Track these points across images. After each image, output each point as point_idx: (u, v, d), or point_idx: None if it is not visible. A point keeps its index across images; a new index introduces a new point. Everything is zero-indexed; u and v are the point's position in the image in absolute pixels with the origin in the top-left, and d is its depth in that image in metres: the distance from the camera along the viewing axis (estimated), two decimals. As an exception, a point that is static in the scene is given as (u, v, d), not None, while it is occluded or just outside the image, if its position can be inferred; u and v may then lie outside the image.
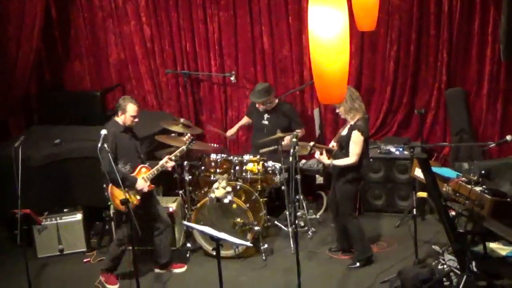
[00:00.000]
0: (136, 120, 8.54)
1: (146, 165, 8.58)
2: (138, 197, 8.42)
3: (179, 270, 8.94)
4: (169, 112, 11.15)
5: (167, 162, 8.60)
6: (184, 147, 8.76)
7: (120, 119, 8.47)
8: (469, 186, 7.64)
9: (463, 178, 7.84)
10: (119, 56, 11.31)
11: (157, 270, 8.93)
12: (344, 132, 8.45)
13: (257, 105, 9.95)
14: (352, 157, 8.28)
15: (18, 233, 7.98)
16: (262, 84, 10.07)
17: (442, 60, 10.10)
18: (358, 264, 8.65)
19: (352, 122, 8.36)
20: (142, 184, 8.41)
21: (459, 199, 7.79)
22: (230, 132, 10.45)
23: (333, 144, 8.58)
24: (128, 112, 8.43)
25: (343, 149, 8.38)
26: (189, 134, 8.98)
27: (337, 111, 8.49)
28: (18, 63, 10.67)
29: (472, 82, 10.15)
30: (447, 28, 9.97)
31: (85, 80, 11.52)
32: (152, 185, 8.56)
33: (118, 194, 8.30)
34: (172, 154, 8.68)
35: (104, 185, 8.40)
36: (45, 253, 9.49)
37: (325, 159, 8.41)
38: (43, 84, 11.44)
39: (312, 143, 8.48)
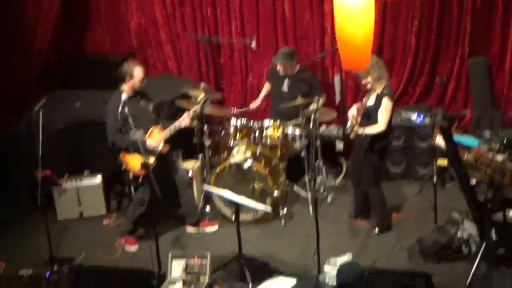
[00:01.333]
0: (145, 81, 8.53)
1: (158, 126, 8.56)
2: (153, 160, 8.41)
3: (211, 228, 8.97)
4: (189, 77, 11.12)
5: (181, 121, 8.56)
6: (198, 106, 8.71)
7: (127, 85, 8.44)
8: (491, 155, 7.62)
9: (485, 147, 7.81)
10: (139, 21, 11.28)
11: (189, 229, 8.99)
12: (370, 102, 8.36)
13: (278, 68, 9.88)
14: (382, 125, 8.22)
15: (39, 195, 8.01)
16: (286, 48, 10.03)
17: (465, 29, 10.00)
18: (377, 229, 8.65)
19: (379, 91, 8.30)
20: (153, 143, 8.42)
21: (480, 167, 7.76)
22: (255, 103, 10.34)
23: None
24: (136, 76, 8.41)
25: (370, 119, 8.30)
26: (203, 94, 8.91)
27: (363, 82, 8.37)
28: (38, 30, 10.69)
29: (495, 51, 10.06)
30: (470, -3, 9.90)
31: (105, 44, 11.51)
32: (167, 146, 8.54)
33: (130, 159, 8.37)
34: (186, 112, 8.64)
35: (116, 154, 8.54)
36: (65, 215, 9.56)
37: (360, 129, 8.28)
38: (63, 49, 11.43)
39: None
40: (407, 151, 9.90)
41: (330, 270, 7.53)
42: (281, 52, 9.86)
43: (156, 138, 8.47)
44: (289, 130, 9.42)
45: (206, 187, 8.73)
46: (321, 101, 9.53)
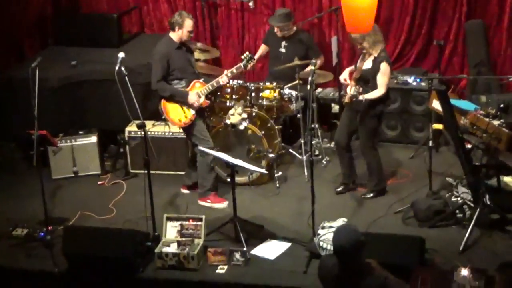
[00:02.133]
0: (192, 35, 8.56)
1: (200, 80, 8.58)
2: (193, 112, 8.46)
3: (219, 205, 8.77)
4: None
5: (222, 77, 8.56)
6: (241, 64, 8.61)
7: (176, 34, 8.44)
8: (487, 120, 7.61)
9: (481, 112, 7.80)
10: (136, -22, 11.20)
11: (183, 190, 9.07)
12: (367, 65, 8.33)
13: (275, 29, 9.83)
14: (381, 89, 8.18)
15: (34, 154, 7.99)
16: (282, 9, 9.99)
17: (463, -11, 9.98)
18: (371, 194, 8.66)
19: (375, 54, 8.25)
20: (194, 98, 8.42)
21: (476, 132, 7.77)
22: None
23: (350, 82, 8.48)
24: (185, 27, 8.39)
25: (369, 83, 8.26)
26: (247, 52, 8.82)
27: (359, 47, 8.35)
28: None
29: (492, 15, 10.03)
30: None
31: (101, 2, 11.40)
32: (207, 101, 8.58)
33: (171, 109, 8.43)
34: (229, 70, 8.60)
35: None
36: (60, 174, 9.55)
37: (360, 96, 8.15)
38: (59, 5, 11.33)
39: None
40: (402, 115, 9.89)
41: (324, 234, 7.55)
42: (277, 14, 9.82)
43: (198, 93, 8.49)
44: (286, 91, 9.39)
45: (201, 148, 8.72)
46: (318, 62, 9.53)
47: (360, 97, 8.11)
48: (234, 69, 8.59)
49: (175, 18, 8.46)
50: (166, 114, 8.56)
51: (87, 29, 10.66)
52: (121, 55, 7.82)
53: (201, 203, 8.72)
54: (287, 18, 9.74)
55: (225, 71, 8.61)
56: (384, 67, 8.18)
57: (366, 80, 8.27)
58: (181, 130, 9.11)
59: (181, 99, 8.45)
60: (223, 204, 8.61)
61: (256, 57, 10.13)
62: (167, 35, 8.56)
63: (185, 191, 9.05)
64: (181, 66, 8.47)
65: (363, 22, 5.24)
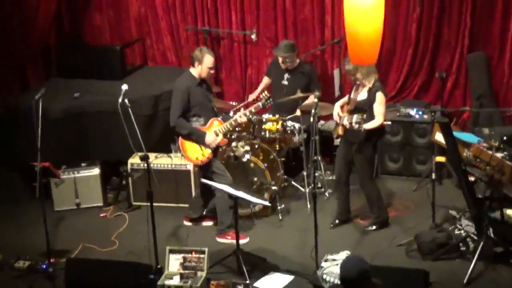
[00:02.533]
0: (212, 71, 8.52)
1: (219, 119, 8.52)
2: (210, 151, 8.41)
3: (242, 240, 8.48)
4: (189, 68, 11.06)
5: (240, 117, 8.53)
6: (260, 103, 8.60)
7: (195, 70, 8.38)
8: (490, 152, 7.62)
9: (484, 144, 7.80)
10: (139, 10, 11.23)
11: (186, 223, 9.05)
12: (361, 96, 8.33)
13: (279, 60, 9.86)
14: (379, 118, 8.18)
15: (37, 186, 8.00)
16: (287, 40, 10.04)
17: (465, 23, 9.98)
18: (374, 226, 8.64)
19: (369, 85, 8.26)
20: (211, 138, 8.37)
21: (479, 164, 7.77)
22: (252, 97, 10.35)
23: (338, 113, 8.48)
24: (205, 64, 8.32)
25: (365, 114, 8.24)
26: (265, 92, 8.80)
27: (352, 78, 8.35)
28: (39, 12, 10.68)
29: (494, 47, 10.04)
30: (471, -9, 9.87)
31: (104, 33, 11.45)
32: (225, 140, 8.53)
33: (188, 147, 8.38)
34: (247, 109, 8.61)
35: (175, 137, 8.51)
36: (62, 206, 9.54)
37: (359, 125, 8.12)
38: (62, 35, 11.38)
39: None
40: (405, 147, 9.88)
41: (328, 267, 7.52)
42: (282, 45, 9.87)
43: (216, 131, 8.43)
44: (288, 123, 9.40)
45: (204, 180, 8.72)
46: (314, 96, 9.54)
47: (358, 127, 8.07)
48: (252, 108, 8.60)
49: (195, 53, 8.38)
50: (183, 151, 8.45)
51: (90, 60, 10.69)
52: (124, 87, 7.83)
53: (220, 240, 8.63)
54: (292, 49, 9.79)
55: (241, 111, 8.64)
56: (380, 96, 8.20)
57: (362, 111, 8.24)
58: (185, 163, 9.14)
59: (199, 139, 8.39)
60: (245, 240, 8.51)
61: (258, 90, 10.21)
62: (188, 70, 8.49)
63: (188, 223, 9.02)
64: (200, 103, 8.39)
65: (368, 53, 5.25)
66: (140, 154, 7.83)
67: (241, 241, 8.21)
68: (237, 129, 9.32)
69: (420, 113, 9.78)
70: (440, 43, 10.26)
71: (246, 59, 11.01)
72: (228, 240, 8.52)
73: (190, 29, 10.96)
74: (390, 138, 9.86)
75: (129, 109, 7.71)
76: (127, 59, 11.14)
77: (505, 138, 7.95)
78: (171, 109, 8.41)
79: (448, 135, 7.68)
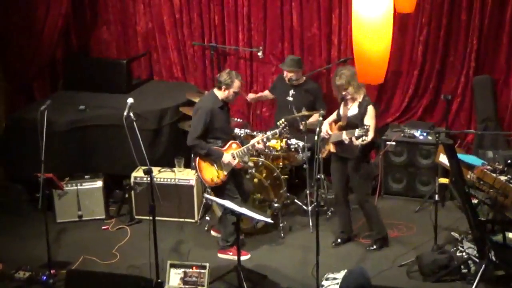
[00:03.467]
0: (238, 95, 8.56)
1: (237, 142, 8.52)
2: (225, 173, 8.39)
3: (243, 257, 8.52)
4: (194, 84, 11.10)
5: (258, 143, 8.55)
6: (277, 130, 8.67)
7: (221, 93, 8.36)
8: (494, 175, 7.62)
9: (488, 167, 7.81)
10: (146, 25, 11.26)
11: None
12: (352, 111, 8.35)
13: (285, 75, 9.86)
14: (372, 132, 8.12)
15: (40, 197, 8.01)
16: (293, 56, 10.08)
17: (472, 46, 9.99)
18: (375, 246, 8.64)
19: (360, 99, 8.29)
20: (228, 159, 8.35)
21: (483, 187, 7.78)
22: (251, 96, 10.42)
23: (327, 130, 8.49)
24: (233, 88, 8.33)
25: (357, 128, 8.14)
26: (283, 119, 8.79)
27: (343, 93, 8.31)
28: (46, 27, 10.71)
29: (500, 70, 10.04)
30: (478, 14, 9.85)
31: (111, 47, 11.48)
32: (241, 164, 8.51)
33: (204, 167, 8.38)
34: (265, 136, 8.64)
35: (192, 156, 8.57)
36: (64, 218, 9.54)
37: (355, 142, 8.06)
38: (69, 49, 11.43)
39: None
40: (408, 168, 9.87)
41: (328, 285, 7.51)
42: (289, 59, 9.88)
43: (234, 154, 8.42)
44: (293, 141, 9.40)
45: (207, 196, 8.74)
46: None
47: (357, 142, 8.01)
48: (270, 135, 8.66)
49: (223, 77, 8.35)
50: (199, 171, 8.43)
51: (96, 73, 10.74)
52: (130, 100, 7.85)
53: (222, 256, 8.63)
54: (298, 65, 9.81)
55: (260, 136, 8.69)
56: (371, 110, 8.24)
57: (354, 126, 8.19)
58: (188, 178, 9.16)
59: (216, 159, 8.37)
60: (246, 257, 8.51)
61: (259, 94, 10.26)
62: (212, 91, 8.49)
63: (216, 234, 9.05)
64: (220, 126, 8.39)
65: (376, 72, 5.25)
66: (143, 167, 7.84)
67: (243, 258, 8.19)
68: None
69: (425, 134, 9.79)
70: (446, 65, 10.27)
71: (252, 76, 11.02)
72: (229, 256, 8.52)
73: (196, 45, 10.99)
74: (394, 158, 9.86)
75: (134, 122, 7.73)
76: (133, 73, 11.17)
77: (509, 161, 7.93)
78: (192, 127, 8.38)
79: (452, 157, 7.68)
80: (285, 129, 8.70)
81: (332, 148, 8.43)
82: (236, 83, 8.33)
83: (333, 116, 8.66)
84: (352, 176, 8.50)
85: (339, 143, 8.36)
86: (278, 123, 8.76)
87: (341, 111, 8.46)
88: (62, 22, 10.83)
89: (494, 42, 9.98)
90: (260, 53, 10.60)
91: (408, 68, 10.43)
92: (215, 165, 8.39)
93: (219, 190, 8.49)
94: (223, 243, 8.65)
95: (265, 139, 8.62)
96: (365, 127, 7.92)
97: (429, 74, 10.33)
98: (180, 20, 11.03)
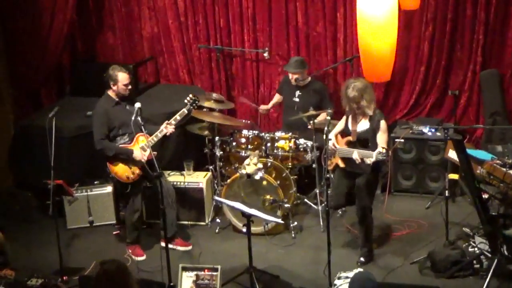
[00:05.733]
0: (130, 87, 8.53)
1: (144, 133, 8.33)
2: (140, 166, 8.43)
3: (182, 248, 8.87)
4: (201, 87, 11.11)
5: (166, 128, 8.50)
6: (185, 109, 8.56)
7: (111, 91, 8.49)
8: (504, 169, 7.61)
9: (498, 161, 7.79)
10: (152, 29, 11.28)
11: (162, 244, 8.84)
12: (363, 126, 8.08)
13: (290, 76, 9.85)
14: (386, 146, 7.94)
15: (50, 204, 8.02)
16: (297, 57, 10.06)
17: (478, 41, 9.98)
18: (364, 259, 8.36)
19: (371, 113, 8.02)
20: (139, 154, 8.36)
21: (493, 181, 7.76)
22: (264, 107, 10.38)
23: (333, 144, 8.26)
24: (120, 82, 8.42)
25: (368, 144, 8.03)
26: (191, 95, 8.68)
27: (354, 106, 7.97)
28: (51, 34, 10.74)
29: (507, 64, 10.02)
30: (484, 9, 9.84)
31: (117, 52, 11.51)
32: (154, 152, 8.34)
33: (117, 168, 8.50)
34: (172, 118, 8.56)
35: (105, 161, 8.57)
36: (75, 224, 9.55)
37: (368, 159, 7.87)
38: (76, 55, 11.48)
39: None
40: (418, 165, 9.85)
41: (341, 284, 7.50)
42: (292, 61, 9.87)
43: (143, 147, 8.40)
44: (301, 141, 9.39)
45: (217, 198, 8.73)
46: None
47: (356, 156, 7.86)
48: (177, 116, 8.55)
49: (108, 73, 8.49)
50: (114, 173, 8.52)
51: (103, 79, 10.69)
52: (137, 105, 7.87)
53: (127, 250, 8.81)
54: (302, 66, 9.79)
55: (166, 122, 8.55)
56: (384, 124, 8.00)
57: (365, 141, 8.05)
58: (198, 181, 9.18)
59: (126, 157, 8.41)
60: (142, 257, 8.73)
61: (270, 105, 10.24)
62: (105, 92, 8.58)
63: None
64: (121, 122, 8.41)
65: (382, 71, 5.25)
66: (152, 173, 7.86)
67: (182, 248, 8.69)
68: (249, 146, 9.33)
69: (433, 130, 9.76)
70: (453, 60, 10.26)
71: (258, 77, 11.02)
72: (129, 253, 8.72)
73: (202, 47, 10.99)
74: (403, 156, 9.85)
75: (142, 126, 7.74)
76: (140, 77, 11.19)
77: (518, 155, 7.92)
78: (94, 134, 8.47)
79: (461, 153, 7.67)
80: (193, 105, 8.57)
81: (340, 163, 8.23)
82: (121, 75, 8.42)
83: (339, 127, 8.43)
84: (360, 191, 8.21)
85: (348, 159, 8.12)
86: (186, 100, 8.61)
87: (349, 125, 8.21)
88: (67, 28, 10.86)
89: (500, 36, 9.96)
90: (266, 54, 10.61)
91: (415, 65, 10.42)
92: (127, 162, 8.41)
93: (137, 186, 8.56)
94: (128, 238, 8.86)
95: (172, 122, 8.51)
96: (383, 151, 7.69)
97: (436, 70, 10.32)
98: (185, 23, 11.05)
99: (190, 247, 8.89)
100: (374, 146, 7.97)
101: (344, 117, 8.35)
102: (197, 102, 8.63)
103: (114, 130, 8.45)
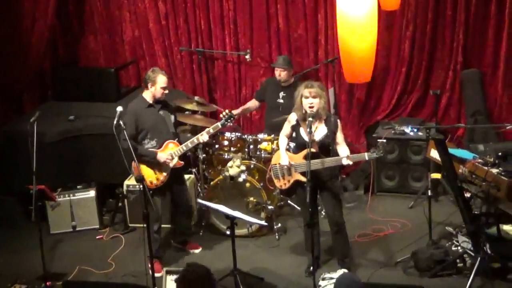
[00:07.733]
0: (167, 91, 8.36)
1: (174, 141, 8.37)
2: (165, 174, 8.33)
3: (197, 250, 8.90)
4: (183, 90, 11.10)
5: (198, 139, 8.39)
6: (219, 123, 8.46)
7: (149, 92, 8.31)
8: (486, 168, 7.64)
9: (480, 160, 7.83)
10: (133, 33, 11.27)
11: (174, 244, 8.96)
12: (321, 132, 7.87)
13: (277, 74, 9.79)
14: (347, 146, 7.96)
15: (33, 209, 7.98)
16: (284, 55, 10.07)
17: (458, 41, 10.02)
18: (344, 268, 8.13)
19: (325, 116, 7.88)
20: (163, 157, 8.24)
21: (475, 180, 7.79)
22: (235, 111, 10.34)
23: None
24: (158, 84, 8.24)
25: (330, 147, 7.94)
26: (227, 110, 8.60)
27: (310, 104, 7.73)
28: (33, 39, 10.72)
29: (488, 64, 10.07)
30: (464, 9, 9.88)
31: (99, 56, 11.48)
32: (181, 162, 8.37)
33: (141, 170, 8.28)
34: (205, 131, 8.47)
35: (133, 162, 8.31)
36: (58, 229, 9.51)
37: (346, 161, 7.72)
38: (57, 59, 11.44)
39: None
40: (400, 165, 9.89)
41: (325, 285, 7.51)
42: (281, 58, 9.83)
43: (172, 154, 8.30)
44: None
45: (200, 200, 8.72)
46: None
47: (347, 162, 7.72)
48: (211, 129, 8.45)
49: (148, 74, 8.30)
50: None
51: (85, 83, 10.70)
52: (119, 109, 7.82)
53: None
54: (290, 64, 9.79)
55: (200, 134, 8.45)
56: (339, 123, 7.95)
57: (327, 147, 7.94)
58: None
59: (150, 160, 8.27)
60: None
61: (242, 107, 10.15)
62: (140, 95, 8.43)
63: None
64: (151, 126, 8.28)
65: (362, 71, 5.26)
66: (135, 175, 7.82)
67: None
68: (232, 148, 9.32)
69: (415, 130, 9.80)
70: (434, 60, 10.30)
71: (240, 80, 11.03)
72: None
73: (184, 50, 10.99)
74: (386, 156, 9.86)
75: (124, 130, 7.71)
76: (121, 81, 11.15)
77: (500, 154, 7.94)
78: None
79: (443, 152, 7.69)
80: (228, 121, 8.47)
81: (301, 178, 7.95)
82: (161, 78, 8.25)
83: (285, 143, 8.21)
84: (326, 195, 8.06)
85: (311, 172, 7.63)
86: (221, 115, 8.55)
87: (304, 137, 7.89)
88: (48, 33, 10.84)
89: (480, 36, 10.01)
90: (247, 56, 10.61)
91: (396, 65, 10.46)
92: (152, 166, 8.32)
93: (161, 192, 8.42)
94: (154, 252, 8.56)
95: (205, 133, 8.38)
96: (379, 145, 7.66)
97: (417, 70, 10.36)
98: (166, 26, 11.04)
99: (200, 249, 8.92)
100: (333, 149, 7.97)
101: (288, 129, 8.15)
102: (232, 118, 8.50)
103: (142, 132, 8.29)
